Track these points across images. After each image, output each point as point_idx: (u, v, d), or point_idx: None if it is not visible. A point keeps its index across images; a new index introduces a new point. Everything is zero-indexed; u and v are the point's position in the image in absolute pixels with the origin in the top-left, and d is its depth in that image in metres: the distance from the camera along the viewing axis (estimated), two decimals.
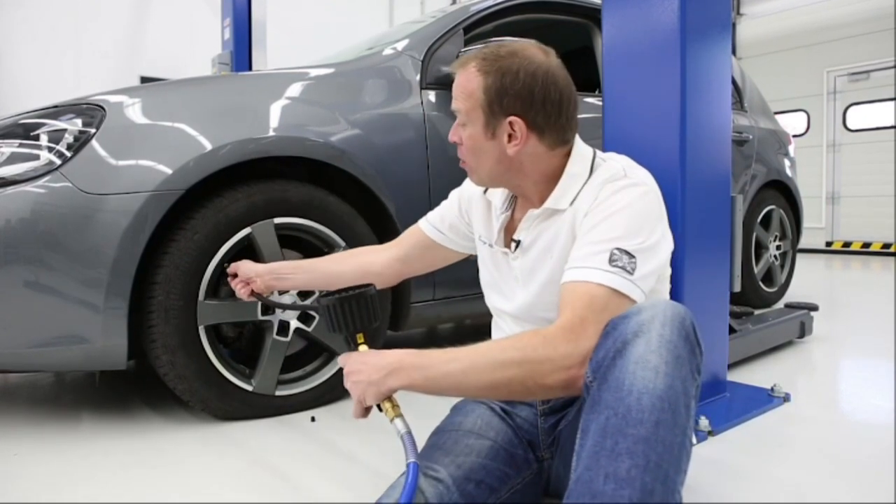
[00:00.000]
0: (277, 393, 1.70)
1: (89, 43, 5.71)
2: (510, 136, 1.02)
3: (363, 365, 0.94)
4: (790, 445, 1.51)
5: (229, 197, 1.61)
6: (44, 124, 1.53)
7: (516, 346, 0.87)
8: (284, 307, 1.64)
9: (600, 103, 1.82)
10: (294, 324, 1.72)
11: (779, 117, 3.94)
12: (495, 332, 1.23)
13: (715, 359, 1.68)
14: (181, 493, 1.26)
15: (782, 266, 3.59)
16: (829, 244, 7.78)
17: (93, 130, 1.52)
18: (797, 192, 3.69)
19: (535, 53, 1.03)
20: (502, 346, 0.89)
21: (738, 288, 1.74)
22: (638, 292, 0.92)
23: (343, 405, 1.79)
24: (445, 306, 2.04)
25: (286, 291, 1.69)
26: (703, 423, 1.51)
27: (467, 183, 1.25)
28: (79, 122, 1.53)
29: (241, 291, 1.42)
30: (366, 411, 0.96)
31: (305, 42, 6.25)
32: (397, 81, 1.99)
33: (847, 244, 7.61)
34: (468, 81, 1.03)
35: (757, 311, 2.57)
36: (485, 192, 1.20)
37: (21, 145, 1.50)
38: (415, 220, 1.39)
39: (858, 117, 7.60)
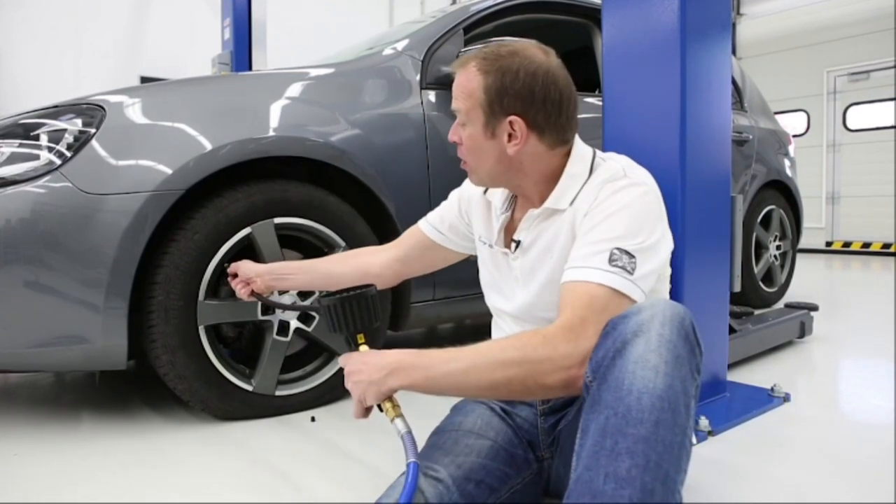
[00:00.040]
0: (277, 393, 1.70)
1: (89, 43, 5.71)
2: (510, 135, 1.02)
3: (364, 365, 0.94)
4: (790, 445, 1.51)
5: (229, 197, 1.61)
6: (44, 124, 1.53)
7: (516, 346, 0.87)
8: (285, 307, 1.64)
9: (600, 103, 1.82)
10: (294, 324, 1.72)
11: (779, 117, 3.94)
12: (495, 332, 1.23)
13: (715, 359, 1.68)
14: (181, 493, 1.26)
15: (782, 266, 3.60)
16: (829, 244, 7.78)
17: (93, 130, 1.52)
18: (797, 192, 3.69)
19: (536, 53, 1.03)
20: (502, 346, 0.89)
21: (738, 288, 1.74)
22: (638, 292, 0.92)
23: (343, 405, 1.79)
24: (445, 306, 2.04)
25: (286, 291, 1.69)
26: (703, 423, 1.51)
27: (467, 183, 1.25)
28: (79, 122, 1.53)
29: (242, 292, 1.42)
30: (366, 411, 0.96)
31: (305, 42, 6.25)
32: (397, 81, 1.99)
33: (847, 244, 7.61)
34: (468, 81, 1.03)
35: (757, 311, 2.57)
36: (485, 192, 1.20)
37: (21, 145, 1.50)
38: (415, 221, 1.39)
39: (858, 117, 7.60)
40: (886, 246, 7.21)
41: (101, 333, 1.47)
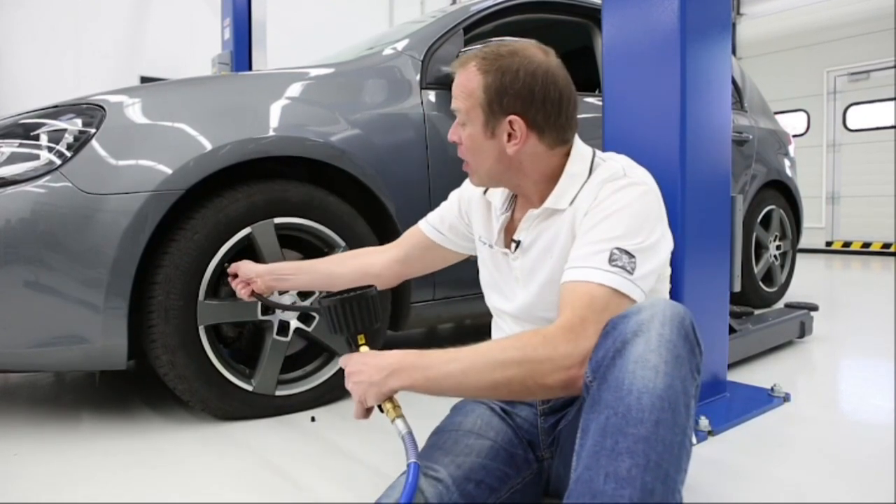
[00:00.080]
0: (277, 393, 1.70)
1: (89, 43, 5.71)
2: (510, 135, 1.02)
3: (364, 366, 0.94)
4: (790, 445, 1.51)
5: (229, 197, 1.61)
6: (44, 124, 1.53)
7: (516, 346, 0.87)
8: (285, 308, 1.64)
9: (600, 103, 1.82)
10: (294, 324, 1.72)
11: (779, 117, 3.94)
12: (495, 332, 1.23)
13: (715, 359, 1.68)
14: (181, 493, 1.26)
15: (782, 266, 3.59)
16: (829, 244, 7.78)
17: (93, 130, 1.52)
18: (797, 192, 3.69)
19: (535, 53, 1.03)
20: (502, 346, 0.89)
21: (738, 288, 1.74)
22: (638, 292, 0.92)
23: (343, 405, 1.79)
24: (445, 306, 2.04)
25: (286, 292, 1.69)
26: (703, 423, 1.51)
27: (467, 184, 1.25)
28: (79, 122, 1.53)
29: (242, 292, 1.42)
30: (367, 412, 0.96)
31: (305, 42, 6.25)
32: (397, 81, 1.99)
33: (847, 244, 7.61)
34: (468, 80, 1.03)
35: (757, 311, 2.57)
36: (485, 192, 1.20)
37: (21, 145, 1.50)
38: (415, 221, 1.39)
39: (858, 117, 7.60)
40: (886, 246, 7.21)
41: (101, 333, 1.47)
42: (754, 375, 2.05)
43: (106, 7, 5.80)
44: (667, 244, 1.02)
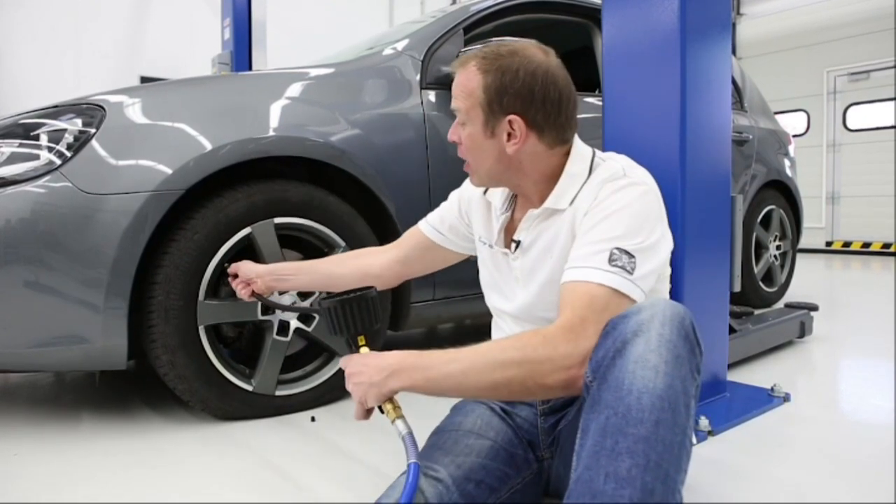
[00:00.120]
0: (277, 393, 1.70)
1: (89, 43, 5.71)
2: (509, 134, 1.02)
3: (364, 367, 0.94)
4: (790, 445, 1.51)
5: (229, 197, 1.61)
6: (44, 124, 1.53)
7: (516, 346, 0.87)
8: (285, 308, 1.64)
9: (600, 103, 1.82)
10: (294, 324, 1.72)
11: (779, 117, 3.94)
12: (495, 332, 1.23)
13: (715, 359, 1.68)
14: (181, 493, 1.26)
15: (782, 266, 3.60)
16: (829, 244, 7.78)
17: (93, 130, 1.52)
18: (797, 192, 3.69)
19: (535, 53, 1.03)
20: (502, 347, 0.89)
21: (738, 288, 1.74)
22: (638, 292, 0.92)
23: (343, 405, 1.79)
24: (445, 306, 2.04)
25: (286, 292, 1.69)
26: (703, 423, 1.51)
27: (467, 184, 1.25)
28: (79, 122, 1.53)
29: (242, 292, 1.42)
30: (367, 413, 0.96)
31: (305, 42, 6.25)
32: (397, 81, 1.99)
33: (847, 244, 7.61)
34: (468, 80, 1.03)
35: (757, 311, 2.57)
36: (484, 192, 1.20)
37: (21, 145, 1.50)
38: (415, 221, 1.39)
39: (858, 117, 7.60)
40: (886, 246, 7.21)
41: (101, 333, 1.47)
42: (754, 375, 2.05)
43: (106, 7, 5.80)
44: (667, 244, 1.02)
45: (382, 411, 0.94)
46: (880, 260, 6.65)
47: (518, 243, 1.10)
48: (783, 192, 3.59)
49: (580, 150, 1.08)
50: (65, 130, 1.52)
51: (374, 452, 1.44)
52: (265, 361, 1.68)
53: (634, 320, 0.82)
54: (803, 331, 2.51)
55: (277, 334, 1.69)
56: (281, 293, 1.69)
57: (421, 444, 1.00)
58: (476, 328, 2.93)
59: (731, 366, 2.01)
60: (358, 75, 1.97)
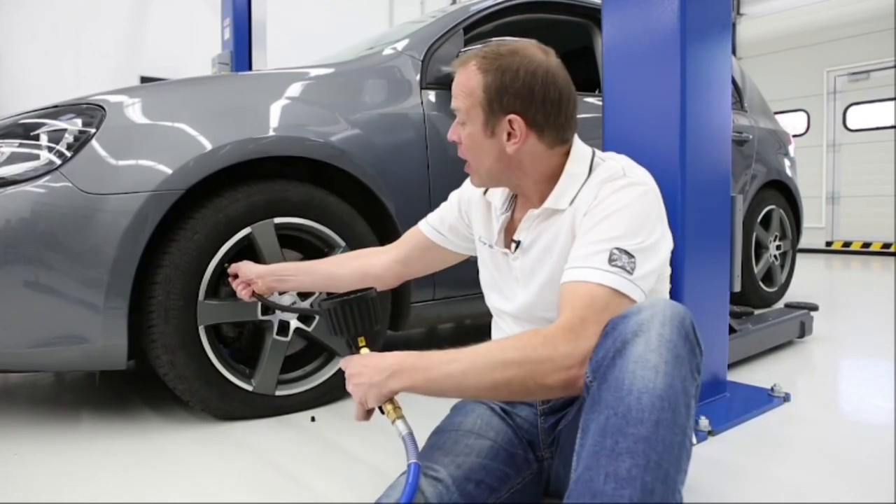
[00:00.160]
0: (277, 393, 1.70)
1: (89, 43, 5.71)
2: (509, 134, 1.02)
3: (364, 367, 0.94)
4: (790, 445, 1.51)
5: (229, 197, 1.61)
6: (44, 124, 1.53)
7: (516, 347, 0.87)
8: (286, 309, 1.64)
9: (600, 103, 1.82)
10: (294, 324, 1.72)
11: (779, 117, 3.94)
12: (495, 332, 1.23)
13: (715, 359, 1.68)
14: (181, 493, 1.26)
15: (782, 266, 3.60)
16: (829, 244, 7.78)
17: (93, 130, 1.52)
18: (797, 192, 3.69)
19: (535, 52, 1.03)
20: (502, 347, 0.89)
21: (738, 288, 1.74)
22: (638, 292, 0.92)
23: (343, 405, 1.79)
24: (445, 306, 2.04)
25: (286, 292, 1.69)
26: (703, 423, 1.51)
27: (467, 184, 1.25)
28: (79, 122, 1.53)
29: (243, 293, 1.43)
30: (368, 413, 0.96)
31: (305, 42, 6.25)
32: (397, 81, 1.99)
33: (847, 244, 7.61)
34: (468, 80, 1.03)
35: (757, 311, 2.57)
36: (484, 193, 1.20)
37: (21, 145, 1.50)
38: (415, 221, 1.39)
39: (858, 117, 7.60)
40: (886, 246, 7.21)
41: (101, 333, 1.47)
42: (754, 375, 2.05)
43: (106, 7, 5.80)
44: (667, 244, 1.02)
45: (383, 412, 0.94)
46: (880, 260, 6.65)
47: (518, 243, 1.10)
48: (783, 192, 3.59)
49: (580, 149, 1.08)
50: (65, 130, 1.52)
51: (375, 452, 1.44)
52: (265, 361, 1.68)
53: (634, 320, 0.82)
54: (803, 331, 2.51)
55: (277, 334, 1.69)
56: (281, 293, 1.69)
57: (421, 444, 1.00)
58: (476, 328, 2.93)
59: (731, 366, 2.01)
60: (358, 75, 1.97)
